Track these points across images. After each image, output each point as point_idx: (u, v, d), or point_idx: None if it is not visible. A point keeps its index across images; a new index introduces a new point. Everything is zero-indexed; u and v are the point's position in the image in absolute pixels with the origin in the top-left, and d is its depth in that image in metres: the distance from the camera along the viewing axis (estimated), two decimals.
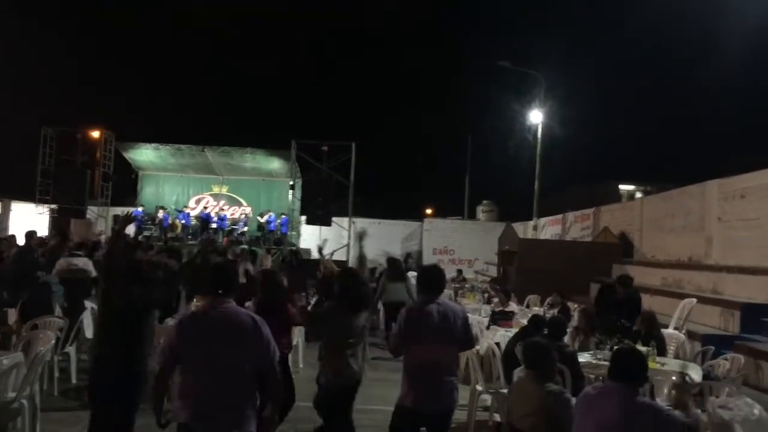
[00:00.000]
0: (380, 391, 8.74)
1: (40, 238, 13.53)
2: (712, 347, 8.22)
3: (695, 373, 6.45)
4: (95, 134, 26.52)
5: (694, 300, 10.32)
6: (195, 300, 7.58)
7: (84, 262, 10.20)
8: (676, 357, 8.07)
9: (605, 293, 9.73)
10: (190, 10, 66.92)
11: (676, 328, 9.59)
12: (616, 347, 6.68)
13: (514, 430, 4.77)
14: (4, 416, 5.77)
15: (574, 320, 9.00)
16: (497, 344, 8.04)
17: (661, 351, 7.34)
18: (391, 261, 12.38)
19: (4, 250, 12.14)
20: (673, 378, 6.07)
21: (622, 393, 3.94)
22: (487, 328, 9.83)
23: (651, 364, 6.40)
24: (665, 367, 6.54)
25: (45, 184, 25.73)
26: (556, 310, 10.12)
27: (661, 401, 5.18)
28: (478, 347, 8.63)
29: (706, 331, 9.58)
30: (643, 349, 6.76)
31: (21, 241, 12.71)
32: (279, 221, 25.95)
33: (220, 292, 4.04)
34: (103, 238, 21.66)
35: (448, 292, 16.24)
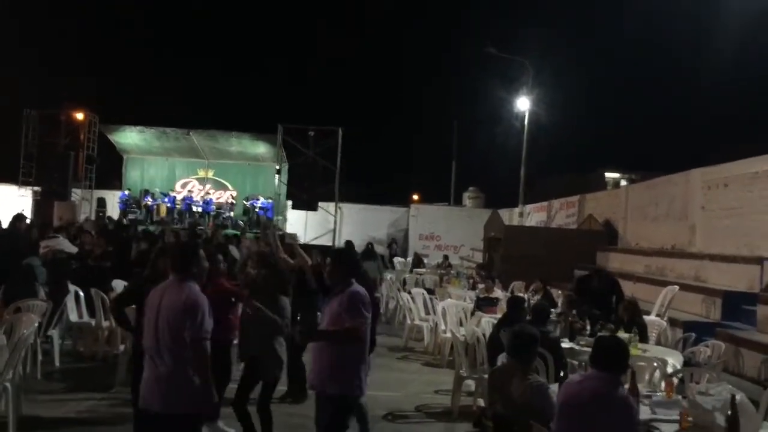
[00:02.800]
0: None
1: (29, 222, 13.43)
2: (693, 334, 8.32)
3: (676, 360, 6.53)
4: (79, 116, 26.20)
5: (677, 287, 10.42)
6: None
7: (59, 242, 10.23)
8: (658, 344, 8.16)
9: (581, 283, 9.91)
10: None
11: (658, 315, 9.68)
12: (598, 334, 6.77)
13: (495, 414, 4.80)
14: None
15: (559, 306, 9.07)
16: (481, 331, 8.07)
17: (643, 337, 7.41)
18: (367, 245, 15.84)
19: None
20: (654, 364, 6.14)
21: (603, 382, 3.96)
22: (472, 314, 9.89)
23: (633, 351, 6.47)
24: (647, 353, 6.61)
25: (28, 167, 25.46)
26: (539, 296, 10.20)
27: (642, 387, 5.24)
28: (463, 333, 8.69)
29: (688, 318, 9.67)
30: (625, 335, 6.84)
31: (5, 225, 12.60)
32: (259, 204, 25.89)
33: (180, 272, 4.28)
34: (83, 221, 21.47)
35: (433, 277, 16.31)
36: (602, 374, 3.98)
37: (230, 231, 21.35)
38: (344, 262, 4.93)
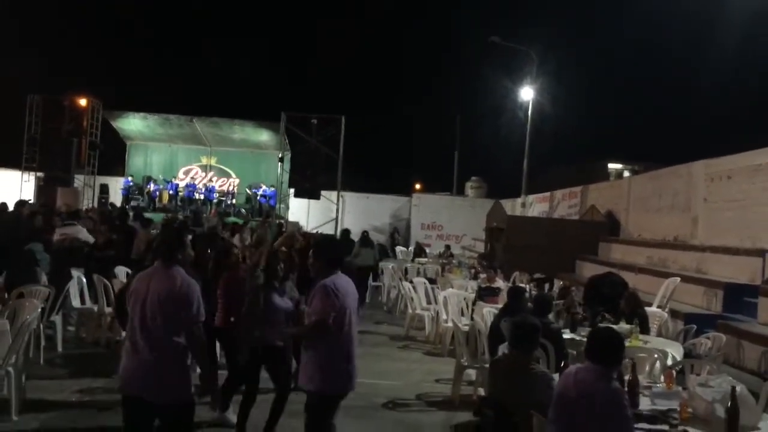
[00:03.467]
0: (365, 364, 8.81)
1: (31, 207, 13.45)
2: (694, 326, 8.32)
3: (677, 351, 6.53)
4: (82, 102, 26.12)
5: (678, 279, 10.41)
6: None
7: (77, 230, 10.26)
8: (659, 335, 8.16)
9: (591, 289, 9.52)
10: None
11: (659, 307, 9.68)
12: (598, 325, 6.77)
13: (496, 404, 4.82)
14: None
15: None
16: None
17: (644, 329, 7.42)
18: (363, 233, 16.27)
19: None
20: (655, 356, 6.14)
21: (596, 374, 3.94)
22: (474, 303, 9.90)
23: (634, 342, 6.49)
24: (648, 344, 6.62)
25: (31, 152, 25.45)
26: (546, 287, 10.18)
27: (643, 378, 5.25)
28: (465, 323, 8.71)
29: (689, 310, 9.67)
30: (626, 326, 6.85)
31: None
32: (261, 192, 25.90)
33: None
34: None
35: (434, 267, 16.33)
36: (596, 367, 3.97)
37: (232, 219, 21.38)
38: (321, 255, 4.78)
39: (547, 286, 11.63)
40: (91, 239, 10.44)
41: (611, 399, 3.86)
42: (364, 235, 16.01)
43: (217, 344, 6.82)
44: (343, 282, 4.70)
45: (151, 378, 4.15)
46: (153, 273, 4.34)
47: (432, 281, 13.05)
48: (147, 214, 17.94)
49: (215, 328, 6.25)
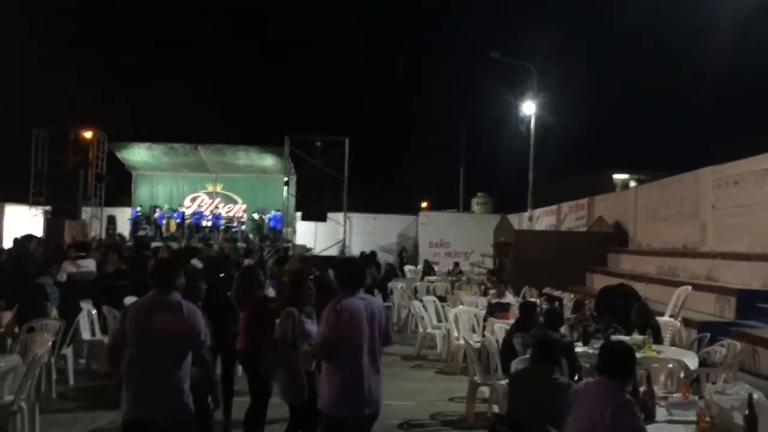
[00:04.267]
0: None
1: (39, 240, 13.52)
2: (708, 334, 8.25)
3: (691, 361, 6.47)
4: (87, 135, 26.32)
5: (690, 287, 10.34)
6: None
7: (89, 263, 10.33)
8: (672, 345, 8.09)
9: (603, 300, 9.45)
10: (180, 8, 66.65)
11: (671, 316, 9.61)
12: (611, 338, 6.73)
13: (512, 420, 4.77)
14: (3, 419, 5.76)
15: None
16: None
17: (657, 339, 7.36)
18: (370, 252, 16.78)
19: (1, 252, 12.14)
20: (670, 366, 6.09)
21: (605, 388, 3.90)
22: (485, 320, 9.86)
23: (647, 352, 6.44)
24: (661, 355, 6.56)
25: (38, 186, 25.57)
26: (556, 302, 10.11)
27: (658, 389, 5.20)
28: (477, 340, 8.66)
29: (702, 318, 9.60)
30: (639, 337, 6.80)
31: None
32: (268, 217, 25.95)
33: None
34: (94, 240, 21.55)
35: (444, 284, 16.28)
36: (608, 381, 3.94)
37: (240, 245, 21.36)
38: (337, 277, 5.01)
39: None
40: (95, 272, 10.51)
41: (623, 411, 3.83)
42: (368, 255, 16.46)
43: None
44: (355, 304, 4.67)
45: (160, 399, 4.31)
46: (152, 301, 4.49)
47: (442, 299, 13.00)
48: (155, 244, 18.01)
49: (237, 351, 6.28)
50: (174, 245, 18.66)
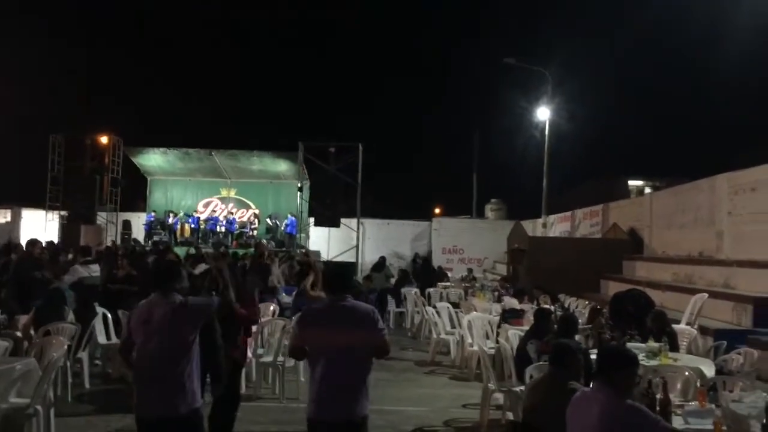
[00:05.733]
0: (392, 391, 8.76)
1: (47, 245, 13.62)
2: (725, 342, 8.17)
3: (708, 368, 6.42)
4: (103, 140, 26.56)
5: (706, 295, 10.26)
6: None
7: (97, 269, 10.43)
8: (689, 352, 8.03)
9: (617, 307, 9.35)
10: (196, 14, 67.19)
11: (688, 324, 9.54)
12: (626, 345, 6.68)
13: (528, 426, 4.75)
14: (19, 422, 5.80)
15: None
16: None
17: (674, 347, 7.31)
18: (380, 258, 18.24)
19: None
20: (686, 374, 6.04)
21: (602, 395, 3.81)
22: (498, 326, 9.83)
23: (663, 360, 6.40)
24: (678, 362, 6.51)
25: (54, 191, 25.79)
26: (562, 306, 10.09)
27: (674, 397, 5.16)
28: (490, 346, 8.63)
29: (719, 326, 9.51)
30: (655, 344, 6.75)
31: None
32: (285, 222, 26.01)
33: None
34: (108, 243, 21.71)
35: (457, 291, 16.24)
36: (602, 387, 3.87)
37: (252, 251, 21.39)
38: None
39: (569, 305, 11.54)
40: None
41: (632, 414, 3.73)
42: (379, 261, 17.12)
43: None
44: (320, 309, 4.60)
45: (165, 395, 4.49)
46: (155, 302, 4.66)
47: (455, 306, 12.98)
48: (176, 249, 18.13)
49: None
50: (183, 250, 18.76)
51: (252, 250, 20.75)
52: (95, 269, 10.43)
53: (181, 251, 18.13)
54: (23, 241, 16.80)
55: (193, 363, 4.62)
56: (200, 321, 4.73)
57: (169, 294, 4.66)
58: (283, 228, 26.15)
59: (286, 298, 11.88)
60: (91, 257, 11.51)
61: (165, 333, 4.53)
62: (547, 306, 10.63)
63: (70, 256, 13.36)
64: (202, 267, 9.94)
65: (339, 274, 4.75)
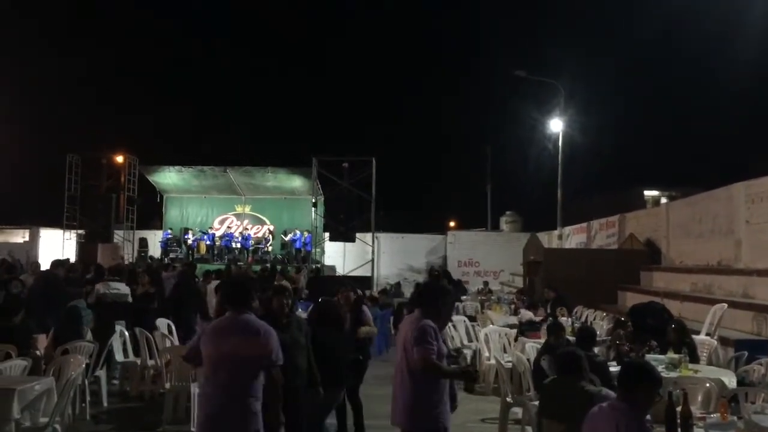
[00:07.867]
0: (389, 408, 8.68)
1: (70, 265, 13.71)
2: (746, 352, 8.07)
3: (730, 379, 6.33)
4: (119, 159, 26.86)
5: (725, 305, 10.14)
6: None
7: (123, 287, 10.48)
8: (709, 363, 7.94)
9: (635, 319, 9.24)
10: (209, 33, 67.89)
11: (707, 335, 9.43)
12: (646, 356, 6.61)
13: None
14: None
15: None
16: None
17: (694, 358, 7.23)
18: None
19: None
20: (707, 385, 5.96)
21: (618, 411, 3.75)
22: (515, 339, 9.76)
23: (684, 371, 6.32)
24: (698, 373, 6.43)
25: (72, 210, 26.03)
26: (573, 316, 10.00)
27: (696, 409, 5.09)
28: (508, 359, 8.57)
29: (739, 336, 9.40)
30: (675, 356, 6.68)
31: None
32: (303, 239, 26.04)
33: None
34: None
35: (474, 304, 16.17)
36: (620, 401, 3.82)
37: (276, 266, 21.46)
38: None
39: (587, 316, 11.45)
40: (129, 297, 10.64)
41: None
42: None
43: None
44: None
45: (230, 419, 4.41)
46: (230, 323, 4.61)
47: (472, 319, 12.91)
48: (207, 267, 18.24)
49: None
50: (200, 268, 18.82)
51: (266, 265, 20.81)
52: (116, 286, 10.46)
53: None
54: (42, 260, 16.97)
55: (259, 389, 4.57)
56: (274, 346, 4.62)
57: (243, 314, 4.62)
58: (293, 242, 26.23)
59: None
60: (118, 277, 11.60)
61: (238, 358, 4.48)
62: (564, 318, 10.56)
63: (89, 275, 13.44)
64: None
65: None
